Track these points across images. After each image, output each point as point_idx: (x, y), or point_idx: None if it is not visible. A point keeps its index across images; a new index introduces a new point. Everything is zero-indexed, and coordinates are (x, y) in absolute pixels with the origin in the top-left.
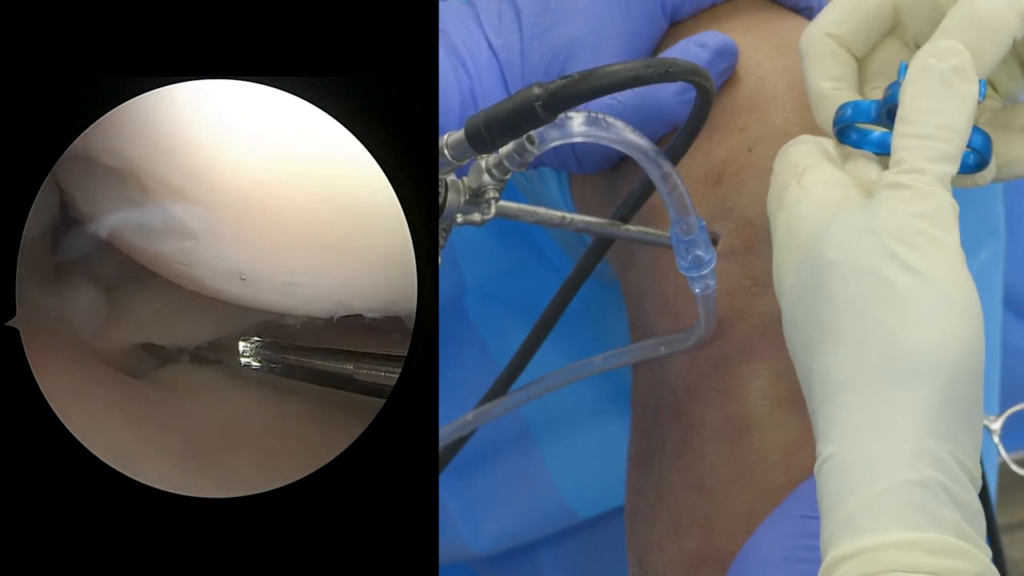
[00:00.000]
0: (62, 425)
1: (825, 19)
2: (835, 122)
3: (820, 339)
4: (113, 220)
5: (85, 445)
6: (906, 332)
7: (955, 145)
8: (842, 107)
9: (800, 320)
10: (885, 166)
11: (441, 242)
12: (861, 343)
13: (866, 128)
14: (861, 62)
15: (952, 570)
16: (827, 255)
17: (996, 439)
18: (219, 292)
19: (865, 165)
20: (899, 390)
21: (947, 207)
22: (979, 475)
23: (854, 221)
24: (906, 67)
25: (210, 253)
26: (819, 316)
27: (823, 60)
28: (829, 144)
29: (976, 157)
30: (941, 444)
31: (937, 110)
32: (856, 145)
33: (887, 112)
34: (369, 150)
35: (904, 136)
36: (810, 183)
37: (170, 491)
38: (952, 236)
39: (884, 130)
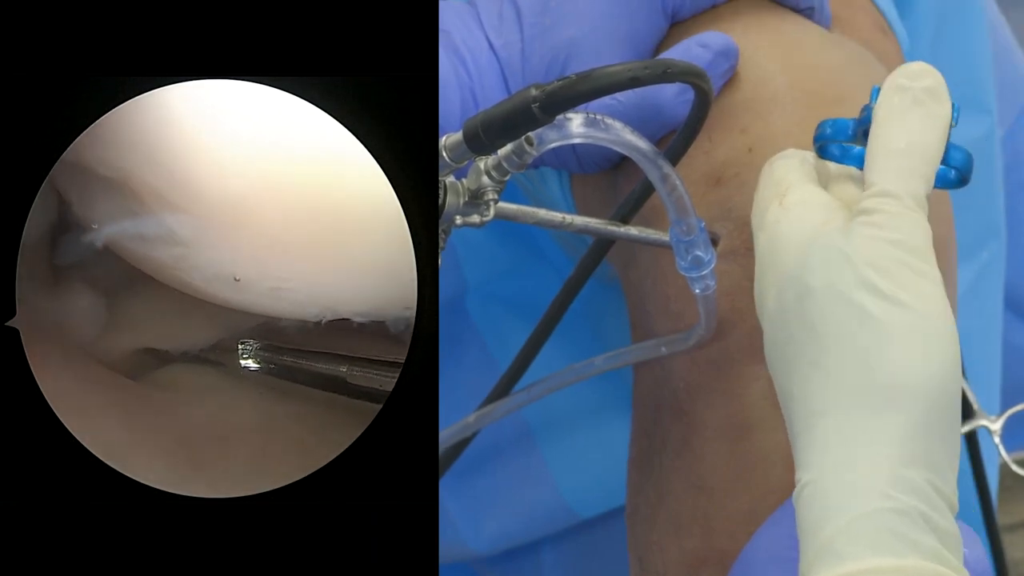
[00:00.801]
0: (62, 425)
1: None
2: (815, 139)
3: (799, 364)
4: (108, 230)
5: (85, 445)
6: (883, 361)
7: (927, 164)
8: (821, 124)
9: (780, 343)
10: None
11: (441, 244)
12: (838, 371)
13: (847, 144)
14: None
15: None
16: (805, 281)
17: (996, 439)
18: (215, 296)
19: (849, 184)
20: (876, 418)
21: (921, 231)
22: (956, 500)
23: (830, 247)
24: (879, 90)
25: (207, 255)
26: (798, 341)
27: None
28: (814, 158)
29: (957, 175)
30: (918, 471)
31: (908, 129)
32: (837, 160)
33: (863, 132)
34: (369, 150)
35: (876, 157)
36: (791, 203)
37: (170, 491)
38: (926, 261)
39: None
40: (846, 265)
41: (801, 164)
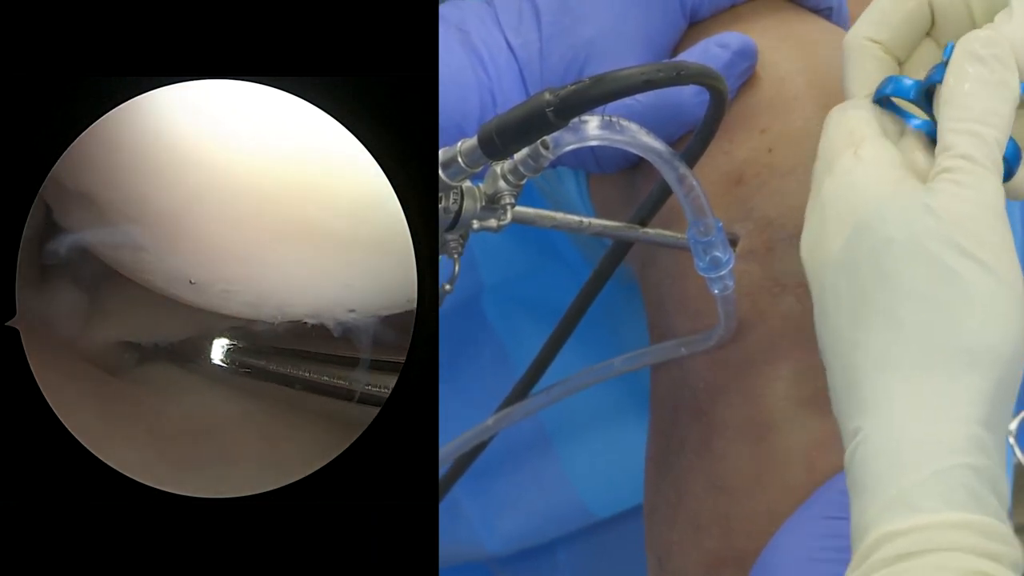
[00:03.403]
0: (62, 425)
1: (866, 23)
2: (875, 96)
3: (871, 315)
4: (83, 236)
5: (85, 445)
6: (967, 322)
7: (1002, 131)
8: (885, 81)
9: (846, 292)
10: (933, 150)
11: (460, 249)
12: (916, 325)
13: (908, 111)
14: (901, 66)
15: (999, 554)
16: (885, 232)
17: (1012, 440)
18: (216, 295)
19: (916, 147)
20: (957, 377)
21: (1000, 196)
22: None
23: (914, 202)
24: (951, 49)
25: (205, 255)
26: (871, 292)
27: (866, 67)
28: (886, 117)
29: (1004, 166)
30: (990, 433)
31: (981, 95)
32: None
33: (926, 92)
34: (369, 150)
35: (952, 119)
36: (867, 156)
37: (171, 491)
38: (1006, 225)
39: (926, 118)
40: (930, 219)
41: (875, 118)
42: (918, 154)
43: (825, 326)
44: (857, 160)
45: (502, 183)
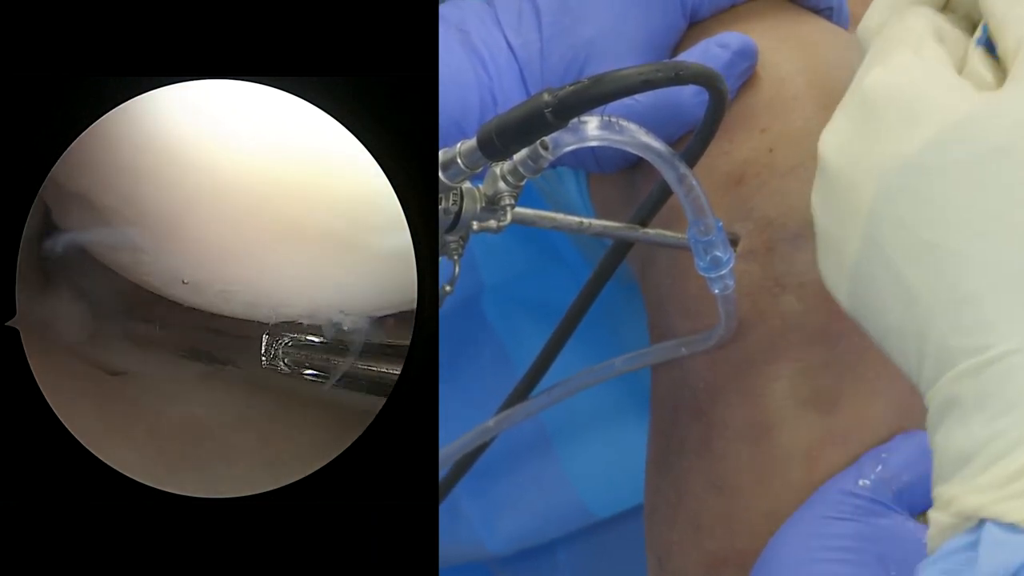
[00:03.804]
0: (62, 425)
1: (877, 10)
2: None
3: (985, 225)
4: (83, 236)
5: (85, 445)
6: None
7: None
8: None
9: (944, 200)
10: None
11: (460, 250)
12: None
13: None
14: None
15: None
16: (992, 139)
17: None
18: (215, 295)
19: (977, 59)
20: None
21: None
22: None
23: (1013, 111)
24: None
25: (203, 255)
26: (980, 202)
27: None
28: (947, 25)
29: None
30: None
31: None
32: None
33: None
34: (369, 150)
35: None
36: (932, 57)
37: (170, 491)
38: None
39: None
40: None
41: (935, 22)
42: (979, 65)
43: (896, 230)
44: (920, 59)
45: (502, 184)
